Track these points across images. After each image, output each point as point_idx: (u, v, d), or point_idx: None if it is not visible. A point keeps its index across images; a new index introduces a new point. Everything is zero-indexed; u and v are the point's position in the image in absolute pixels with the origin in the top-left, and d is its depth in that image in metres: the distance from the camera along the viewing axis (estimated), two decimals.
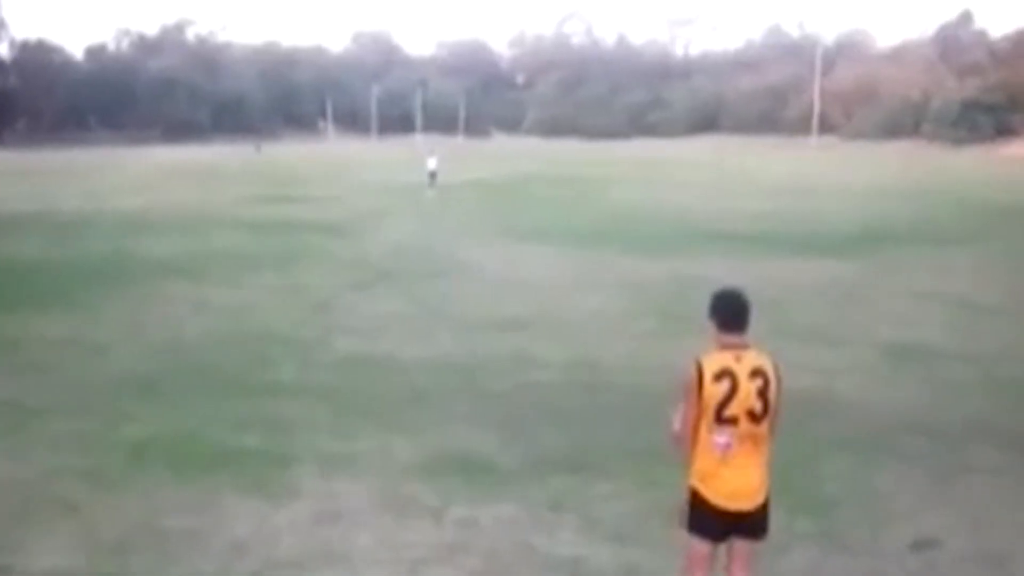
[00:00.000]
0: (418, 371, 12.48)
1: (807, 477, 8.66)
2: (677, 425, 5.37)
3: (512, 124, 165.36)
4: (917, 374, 12.53)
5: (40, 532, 7.44)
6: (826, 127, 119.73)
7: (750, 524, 5.32)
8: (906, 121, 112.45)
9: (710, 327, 5.42)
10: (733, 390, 5.15)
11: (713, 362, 5.20)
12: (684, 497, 5.33)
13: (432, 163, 45.47)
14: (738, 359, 5.23)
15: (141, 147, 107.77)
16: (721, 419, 5.16)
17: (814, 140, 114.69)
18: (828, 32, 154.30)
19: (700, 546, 5.33)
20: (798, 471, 8.86)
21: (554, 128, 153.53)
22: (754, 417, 5.25)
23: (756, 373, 5.24)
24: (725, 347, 5.29)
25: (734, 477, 5.23)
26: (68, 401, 11.00)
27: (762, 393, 5.26)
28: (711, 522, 5.26)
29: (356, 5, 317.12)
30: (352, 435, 9.77)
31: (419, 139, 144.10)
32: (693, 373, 5.20)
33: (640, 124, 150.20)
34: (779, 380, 5.40)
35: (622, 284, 19.34)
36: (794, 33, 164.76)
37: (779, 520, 7.67)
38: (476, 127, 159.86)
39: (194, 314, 16.32)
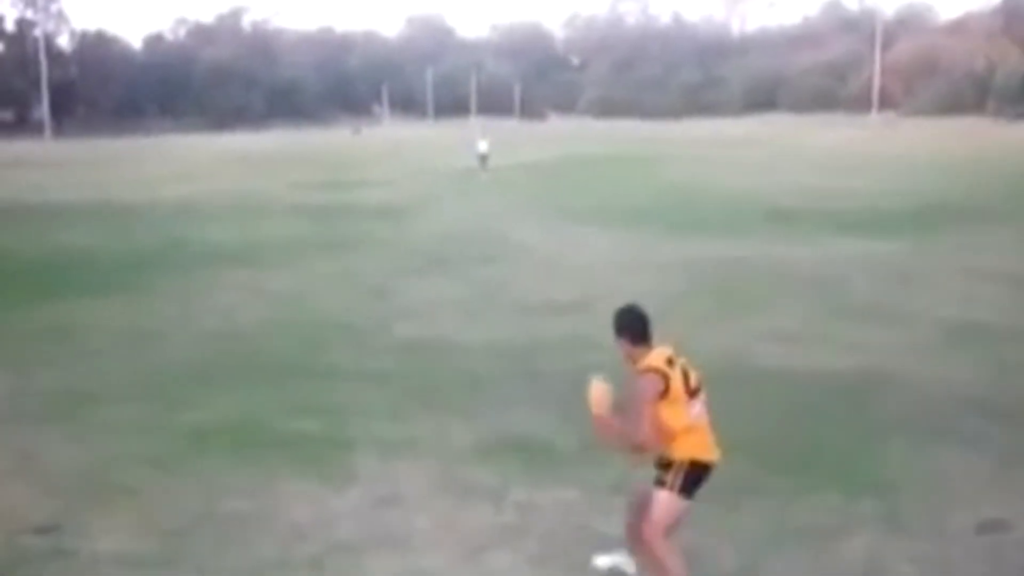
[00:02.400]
0: (475, 355, 12.48)
1: (868, 459, 8.56)
2: (642, 433, 5.93)
3: (567, 105, 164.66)
4: (977, 354, 12.32)
5: (103, 516, 7.52)
6: (886, 103, 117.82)
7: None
8: (968, 96, 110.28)
9: (623, 343, 6.19)
10: (683, 372, 5.99)
11: (657, 361, 5.98)
12: (676, 477, 5.96)
13: (483, 146, 45.37)
14: (659, 353, 6.04)
15: (196, 134, 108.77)
16: (691, 393, 5.97)
17: (874, 117, 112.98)
18: (888, 6, 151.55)
19: (685, 505, 6.02)
20: (858, 453, 8.78)
21: (609, 109, 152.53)
22: (700, 384, 6.06)
23: (686, 364, 6.06)
24: (644, 352, 6.06)
25: (708, 433, 6.08)
26: (127, 388, 11.14)
27: (699, 379, 6.06)
28: (702, 479, 6.01)
29: None
30: (410, 419, 9.80)
31: (474, 122, 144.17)
32: (658, 379, 5.90)
33: (696, 103, 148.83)
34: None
35: (678, 264, 19.20)
36: (853, 7, 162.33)
37: (839, 503, 7.61)
38: (531, 109, 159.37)
39: (250, 300, 16.43)
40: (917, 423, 9.53)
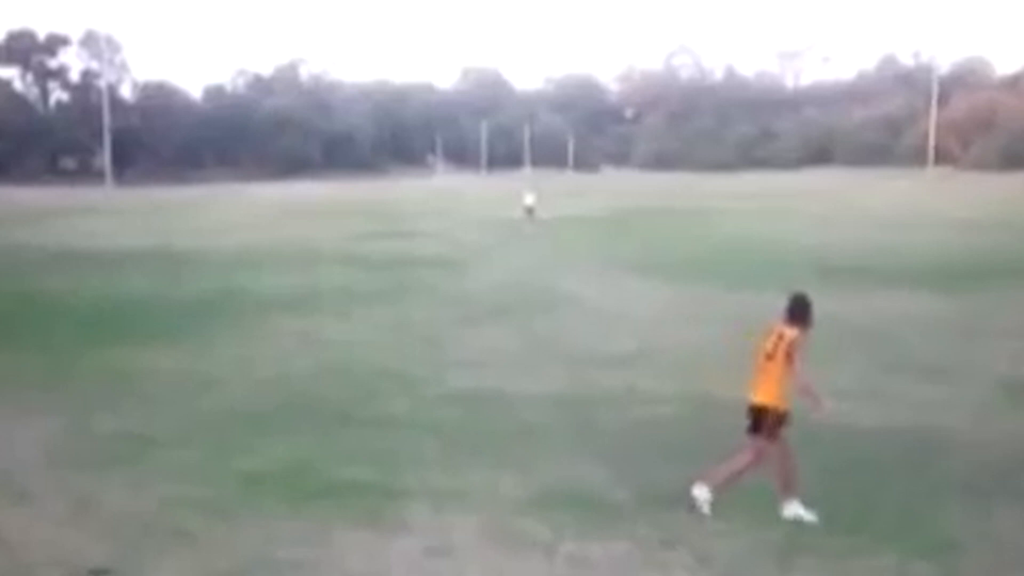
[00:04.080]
0: (527, 406, 12.49)
1: (924, 519, 8.45)
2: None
3: (621, 158, 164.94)
4: None
5: (158, 561, 7.60)
6: (942, 158, 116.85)
7: (753, 415, 8.76)
8: None
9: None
10: (767, 339, 8.83)
11: (775, 324, 8.90)
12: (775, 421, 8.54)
13: (530, 199, 45.56)
14: (781, 326, 8.81)
15: (254, 183, 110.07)
16: (764, 354, 8.79)
17: (929, 171, 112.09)
18: (944, 61, 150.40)
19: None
20: (915, 513, 8.66)
21: (663, 161, 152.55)
22: (767, 356, 8.69)
23: (778, 335, 8.74)
24: (783, 321, 8.84)
25: (752, 381, 8.93)
26: (183, 433, 11.26)
27: (775, 345, 8.66)
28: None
29: (465, 42, 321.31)
30: (462, 469, 9.81)
31: (527, 174, 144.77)
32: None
33: (750, 157, 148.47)
34: (790, 343, 8.57)
35: (730, 318, 19.08)
36: (908, 62, 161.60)
37: (894, 563, 7.51)
38: (585, 161, 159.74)
39: (304, 348, 16.57)
40: (975, 482, 9.40)
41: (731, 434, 10.97)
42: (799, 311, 8.77)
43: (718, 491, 8.52)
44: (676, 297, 22.25)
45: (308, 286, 24.57)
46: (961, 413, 11.98)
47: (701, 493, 8.57)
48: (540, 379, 14.04)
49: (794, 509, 8.46)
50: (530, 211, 45.01)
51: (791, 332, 8.60)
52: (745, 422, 8.69)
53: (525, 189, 47.86)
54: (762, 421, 8.55)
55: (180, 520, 8.48)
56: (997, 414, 12.06)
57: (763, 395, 8.60)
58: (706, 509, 8.50)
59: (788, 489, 8.56)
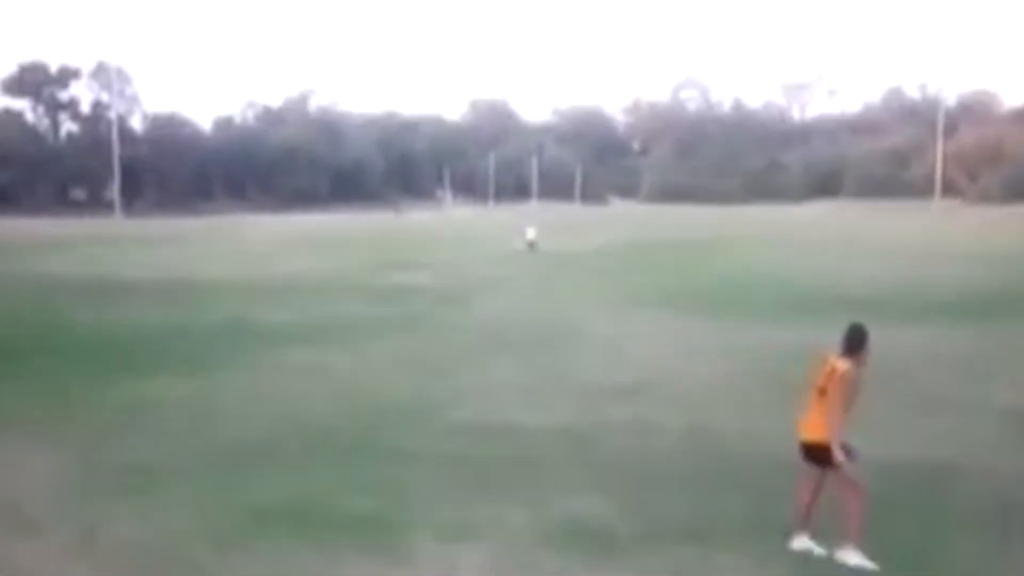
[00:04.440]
0: (535, 438, 12.49)
1: (937, 553, 8.44)
2: None
3: (628, 190, 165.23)
4: None
5: None
6: (950, 190, 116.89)
7: (809, 452, 8.50)
8: None
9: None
10: (819, 372, 8.51)
11: (828, 356, 8.58)
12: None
13: (531, 233, 45.61)
14: (835, 359, 8.49)
15: (263, 215, 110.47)
16: (814, 388, 8.47)
17: (936, 204, 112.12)
18: (951, 93, 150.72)
19: (801, 463, 8.61)
20: (927, 547, 8.63)
21: (671, 194, 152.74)
22: (820, 392, 8.38)
23: (832, 369, 8.38)
24: (837, 352, 8.55)
25: (803, 419, 8.59)
26: (191, 464, 11.28)
27: (828, 380, 8.35)
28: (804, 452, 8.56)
29: (473, 73, 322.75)
30: (470, 502, 9.81)
31: (534, 207, 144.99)
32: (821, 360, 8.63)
33: (758, 189, 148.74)
34: (842, 377, 8.30)
35: (737, 351, 19.12)
36: (915, 95, 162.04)
37: None
38: (592, 193, 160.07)
39: (313, 380, 16.59)
40: (987, 516, 9.38)
41: (738, 466, 11.01)
42: (854, 342, 8.49)
43: (858, 539, 8.22)
44: (682, 329, 22.25)
45: (316, 317, 24.62)
46: (971, 447, 11.95)
47: (802, 543, 8.53)
48: (548, 411, 14.05)
49: (850, 556, 8.23)
50: (532, 245, 45.07)
51: (843, 365, 8.34)
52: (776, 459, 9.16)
53: (527, 223, 47.90)
54: (821, 455, 8.29)
55: (187, 552, 8.51)
56: (1008, 448, 12.02)
57: (814, 431, 8.37)
58: (822, 550, 8.43)
59: (807, 519, 8.59)
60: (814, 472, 8.46)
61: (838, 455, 8.12)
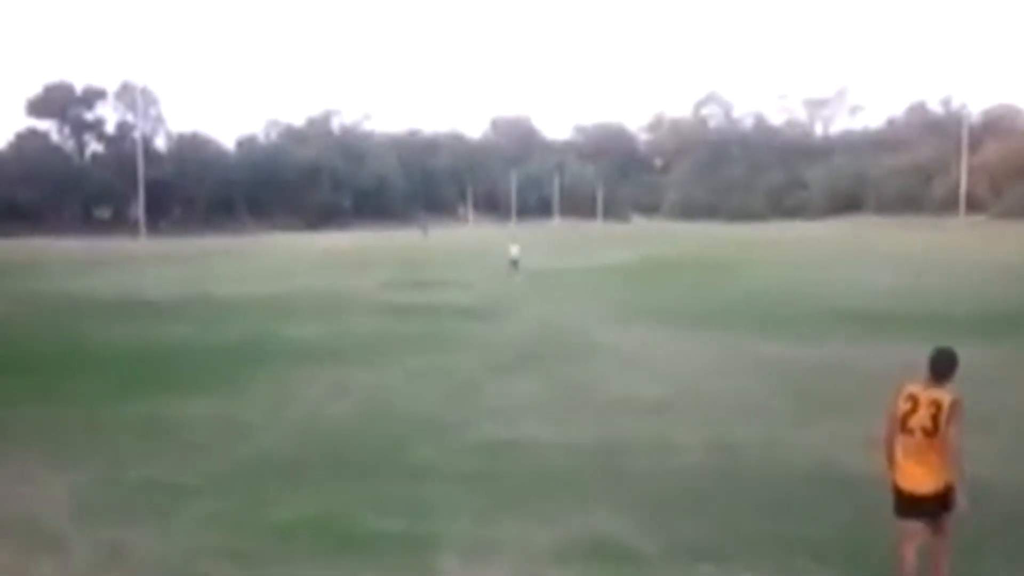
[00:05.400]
0: (557, 455, 12.46)
1: (962, 571, 8.32)
2: (882, 433, 7.67)
3: (650, 207, 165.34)
4: None
5: None
6: (974, 206, 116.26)
7: (931, 505, 7.34)
8: None
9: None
10: (913, 410, 7.35)
11: (908, 388, 7.47)
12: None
13: (514, 251, 45.31)
14: (925, 390, 7.38)
15: (286, 233, 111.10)
16: (904, 429, 7.40)
17: (961, 219, 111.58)
18: (975, 108, 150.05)
19: (901, 524, 7.50)
20: (953, 565, 8.53)
21: (693, 211, 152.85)
22: (927, 432, 7.28)
23: (933, 403, 7.28)
24: (922, 381, 7.43)
25: (915, 470, 7.37)
26: (215, 482, 11.31)
27: (934, 417, 7.24)
28: (902, 504, 7.44)
29: (494, 91, 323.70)
30: (492, 520, 9.80)
31: (556, 223, 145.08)
32: (894, 392, 7.50)
33: (780, 205, 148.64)
34: (952, 408, 7.22)
35: (758, 367, 19.06)
36: (938, 110, 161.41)
37: None
38: (614, 210, 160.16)
39: (336, 397, 16.61)
40: (1014, 534, 9.30)
41: (761, 483, 10.96)
42: (946, 368, 7.42)
43: None
44: (704, 346, 22.18)
45: (340, 334, 24.67)
46: (997, 463, 11.84)
47: None
48: (570, 428, 14.02)
49: None
50: (514, 263, 44.77)
51: (948, 395, 7.26)
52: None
53: (510, 243, 47.38)
54: (936, 505, 7.34)
55: (210, 570, 8.52)
56: None
57: (929, 478, 7.32)
58: None
59: None
60: (920, 528, 7.43)
61: (963, 498, 7.22)
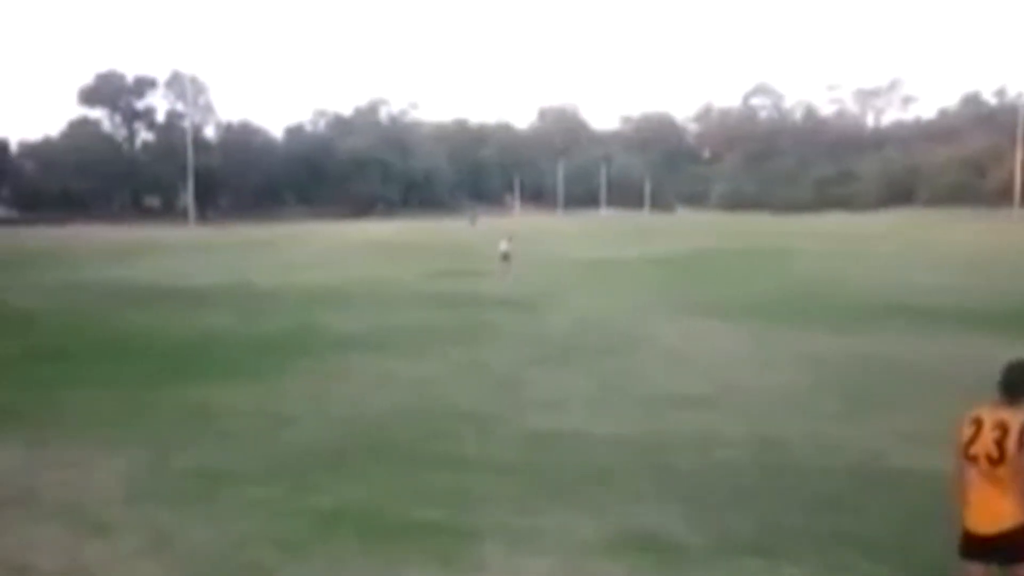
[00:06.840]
0: (602, 447, 12.40)
1: None
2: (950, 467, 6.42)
3: (697, 198, 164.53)
4: None
5: None
6: None
7: (994, 548, 6.09)
8: None
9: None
10: (976, 434, 6.11)
11: (974, 410, 6.24)
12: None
13: (504, 245, 44.93)
14: (992, 411, 6.14)
15: (333, 222, 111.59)
16: (967, 457, 6.14)
17: (1015, 212, 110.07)
18: None
19: (964, 567, 6.30)
20: None
21: (740, 202, 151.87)
22: (991, 460, 6.02)
23: (998, 425, 6.03)
24: (991, 402, 6.22)
25: (977, 506, 6.13)
26: (259, 469, 11.36)
27: (999, 442, 5.99)
28: (963, 544, 6.25)
29: (542, 82, 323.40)
30: (537, 511, 9.75)
31: (604, 213, 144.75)
32: (959, 431, 6.25)
33: (829, 197, 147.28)
34: (1022, 431, 5.97)
35: (805, 360, 18.86)
36: (992, 101, 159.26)
37: None
38: (661, 201, 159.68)
39: (378, 387, 16.64)
40: None
41: (807, 478, 10.84)
42: (1018, 384, 6.19)
43: None
44: (750, 338, 22.00)
45: (382, 325, 24.71)
46: None
47: None
48: (614, 420, 13.95)
49: None
50: (505, 257, 44.32)
51: (1018, 416, 6.03)
52: None
53: (500, 236, 46.43)
54: (1010, 549, 6.08)
55: (255, 556, 8.55)
56: None
57: (997, 518, 6.07)
58: None
59: None
60: (983, 572, 6.27)
61: None
